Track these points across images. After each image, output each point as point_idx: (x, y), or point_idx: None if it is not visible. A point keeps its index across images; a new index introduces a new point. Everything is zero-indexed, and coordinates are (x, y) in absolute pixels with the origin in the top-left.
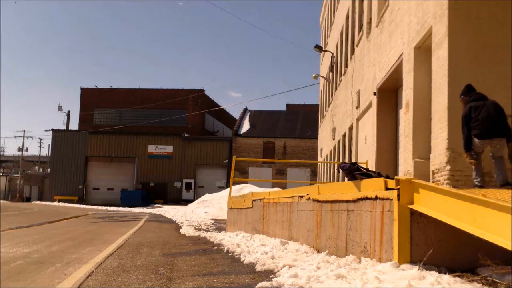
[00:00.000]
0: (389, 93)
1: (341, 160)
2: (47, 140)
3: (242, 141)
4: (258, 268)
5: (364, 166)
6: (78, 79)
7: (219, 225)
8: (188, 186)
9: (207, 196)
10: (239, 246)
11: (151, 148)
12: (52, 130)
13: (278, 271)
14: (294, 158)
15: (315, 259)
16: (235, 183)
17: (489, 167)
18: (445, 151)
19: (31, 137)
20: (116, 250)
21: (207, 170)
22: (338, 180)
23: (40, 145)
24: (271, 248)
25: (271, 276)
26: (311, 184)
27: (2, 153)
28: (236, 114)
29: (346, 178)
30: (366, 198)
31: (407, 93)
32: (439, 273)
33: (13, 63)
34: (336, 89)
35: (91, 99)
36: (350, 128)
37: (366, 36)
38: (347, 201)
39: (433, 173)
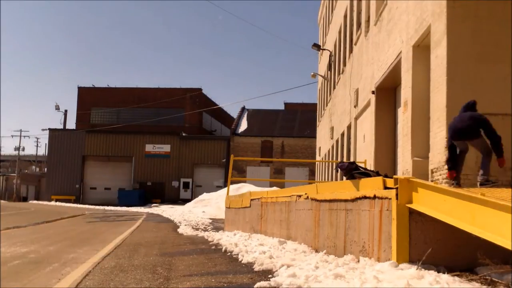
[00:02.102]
0: (387, 92)
1: (339, 159)
2: (44, 139)
3: (240, 140)
4: (256, 267)
5: (362, 165)
6: (75, 78)
7: (217, 225)
8: (186, 185)
9: (204, 196)
10: (237, 246)
11: (149, 147)
12: (49, 129)
13: (276, 270)
14: (292, 157)
15: (313, 259)
16: (233, 183)
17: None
18: (444, 150)
19: (28, 136)
20: (113, 250)
21: (205, 170)
22: (336, 179)
23: (37, 145)
24: (269, 248)
25: (269, 276)
26: (309, 183)
27: None
28: (234, 113)
29: (344, 177)
30: (365, 197)
31: (406, 92)
32: (438, 272)
33: (10, 62)
34: (334, 87)
35: (88, 98)
36: (349, 127)
37: (364, 34)
38: (346, 200)
39: (432, 172)
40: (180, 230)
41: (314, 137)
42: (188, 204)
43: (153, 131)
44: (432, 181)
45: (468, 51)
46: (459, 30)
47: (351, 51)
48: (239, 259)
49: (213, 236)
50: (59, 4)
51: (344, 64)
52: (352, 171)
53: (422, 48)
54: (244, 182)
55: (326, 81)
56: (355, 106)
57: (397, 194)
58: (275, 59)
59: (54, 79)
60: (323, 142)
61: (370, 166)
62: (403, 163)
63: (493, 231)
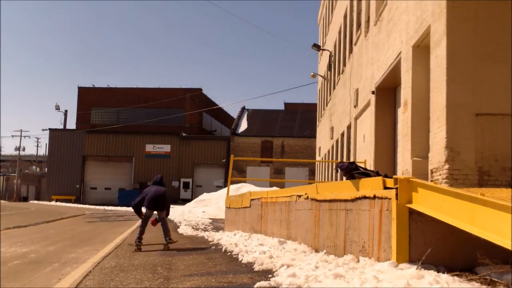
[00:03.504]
0: (387, 92)
1: (339, 159)
2: (44, 139)
3: (240, 140)
4: (256, 267)
5: (362, 165)
6: (75, 78)
7: (217, 225)
8: (186, 185)
9: (205, 196)
10: (237, 246)
11: (149, 148)
12: (50, 129)
13: (276, 270)
14: (292, 157)
15: (313, 259)
16: (233, 183)
17: (488, 167)
18: (444, 150)
19: (28, 136)
20: (113, 250)
21: (205, 170)
22: (336, 179)
23: (37, 145)
24: (269, 248)
25: (269, 276)
26: (309, 183)
27: None
28: (234, 113)
29: (344, 178)
30: (365, 197)
31: (406, 92)
32: (438, 272)
33: (10, 62)
34: (334, 88)
35: (89, 98)
36: (348, 127)
37: (364, 34)
38: (346, 200)
39: (432, 172)
40: (180, 230)
41: (314, 137)
42: (188, 204)
43: (153, 131)
44: (431, 181)
45: (468, 51)
46: (459, 30)
47: (351, 51)
48: (239, 259)
49: (213, 236)
50: (59, 4)
51: (344, 64)
52: (352, 171)
53: (422, 48)
54: (244, 182)
55: (326, 81)
56: (355, 106)
57: (397, 194)
58: (275, 59)
59: (54, 79)
60: (323, 142)
61: (370, 166)
62: (403, 163)
63: (493, 231)
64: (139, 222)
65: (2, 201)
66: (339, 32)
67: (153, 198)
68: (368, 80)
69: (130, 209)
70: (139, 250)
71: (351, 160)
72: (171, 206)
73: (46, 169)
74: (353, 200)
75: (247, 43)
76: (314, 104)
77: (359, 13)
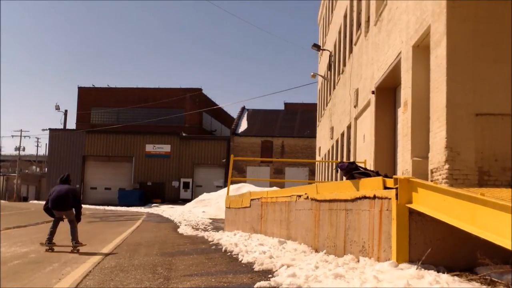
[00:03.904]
0: (387, 92)
1: (339, 159)
2: (44, 139)
3: (240, 140)
4: (256, 267)
5: (362, 165)
6: (75, 78)
7: (217, 225)
8: (186, 185)
9: (205, 196)
10: (237, 246)
11: (149, 148)
12: (50, 129)
13: (276, 270)
14: (292, 157)
15: (313, 259)
16: (233, 182)
17: (488, 167)
18: (444, 150)
19: (28, 136)
20: (113, 250)
21: (205, 170)
22: (336, 179)
23: (37, 145)
24: (269, 248)
25: (269, 276)
26: (309, 183)
27: None
28: (234, 113)
29: (344, 178)
30: (365, 197)
31: (406, 92)
32: (438, 272)
33: (10, 62)
34: (334, 88)
35: (89, 98)
36: (348, 127)
37: (364, 34)
38: (346, 200)
39: (432, 172)
40: (180, 230)
41: (314, 137)
42: (188, 204)
43: (153, 131)
44: (431, 181)
45: (468, 51)
46: (459, 30)
47: (351, 51)
48: (239, 259)
49: (213, 236)
50: (59, 4)
51: (344, 64)
52: (352, 171)
53: (422, 48)
54: (244, 182)
55: (326, 81)
56: (355, 106)
57: (397, 194)
58: (275, 59)
59: (54, 79)
60: (323, 142)
61: (370, 166)
62: (403, 163)
63: (493, 231)
64: (139, 222)
65: (2, 201)
66: (339, 32)
67: (55, 198)
68: (368, 80)
69: (131, 209)
70: (52, 251)
71: (351, 160)
72: (172, 206)
73: (46, 169)
74: (353, 200)
75: (247, 43)
76: (314, 104)
77: (359, 13)
